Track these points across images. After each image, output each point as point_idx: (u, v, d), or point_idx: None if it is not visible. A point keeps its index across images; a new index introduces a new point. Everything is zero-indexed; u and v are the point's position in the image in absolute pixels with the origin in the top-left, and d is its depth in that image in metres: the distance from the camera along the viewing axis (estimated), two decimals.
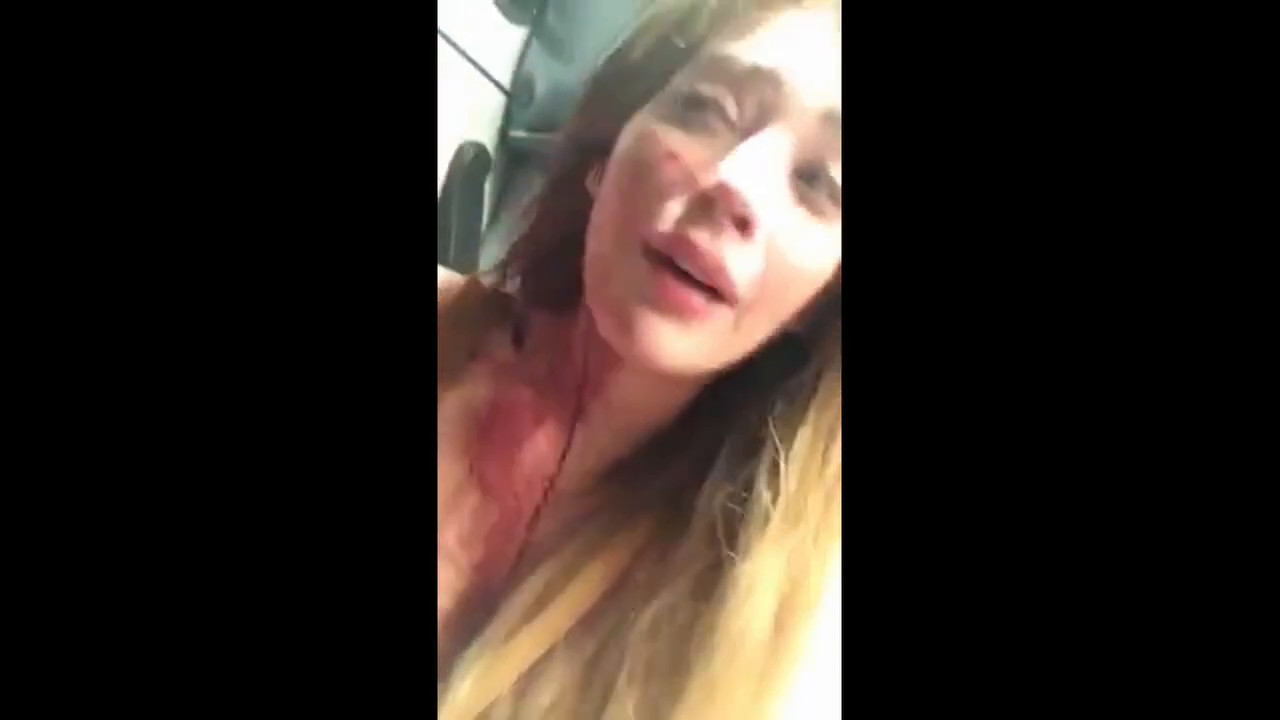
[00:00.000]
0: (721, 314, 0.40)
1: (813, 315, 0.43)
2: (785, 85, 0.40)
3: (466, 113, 0.95)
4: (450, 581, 0.44)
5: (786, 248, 0.40)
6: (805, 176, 0.40)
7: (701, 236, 0.39)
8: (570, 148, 0.48)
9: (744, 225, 0.39)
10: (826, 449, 0.41)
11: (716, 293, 0.40)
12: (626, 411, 0.47)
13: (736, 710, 0.39)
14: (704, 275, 0.39)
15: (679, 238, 0.39)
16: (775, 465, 0.41)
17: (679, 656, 0.41)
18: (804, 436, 0.42)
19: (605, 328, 0.42)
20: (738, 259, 0.39)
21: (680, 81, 0.42)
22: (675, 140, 0.41)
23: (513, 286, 0.51)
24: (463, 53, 0.95)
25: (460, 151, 0.97)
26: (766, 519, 0.40)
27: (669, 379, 0.44)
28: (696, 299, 0.39)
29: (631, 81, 0.45)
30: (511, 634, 0.42)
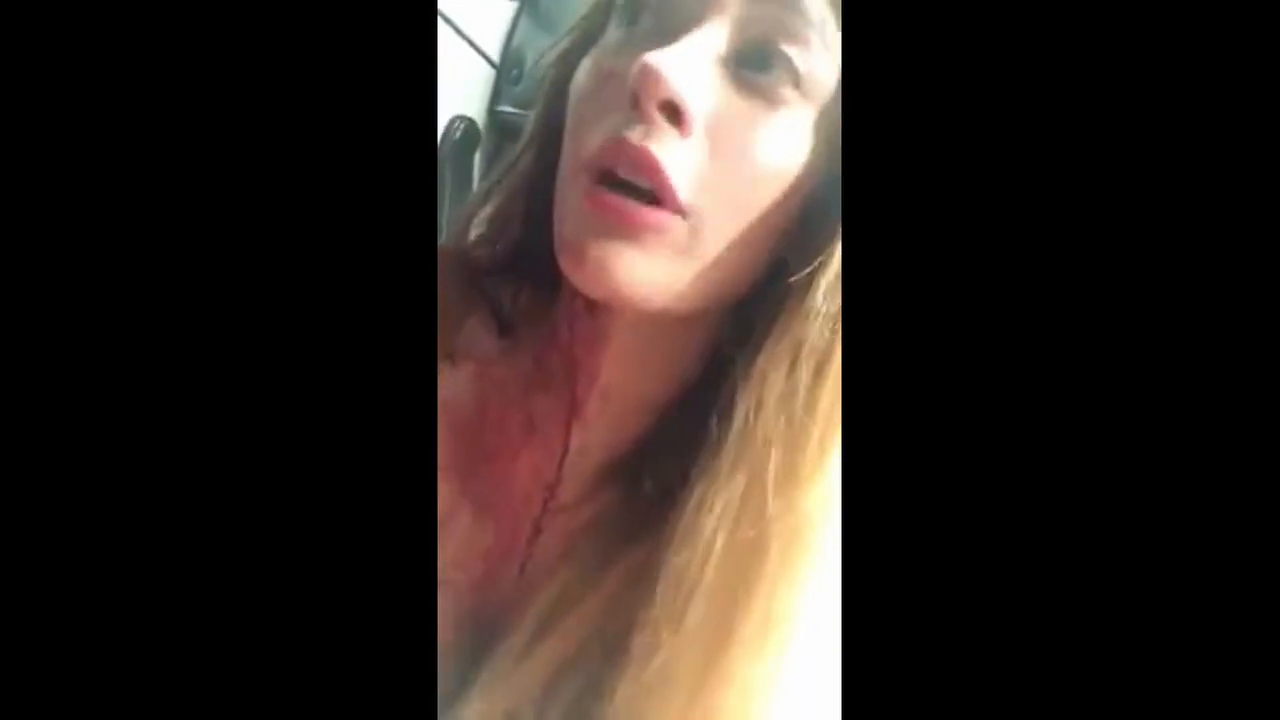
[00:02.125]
0: (673, 225, 0.37)
1: (799, 237, 0.38)
2: None
3: (455, 87, 0.94)
4: (447, 606, 0.41)
5: (735, 141, 0.37)
6: (752, 62, 0.37)
7: (632, 135, 0.36)
8: (545, 100, 0.46)
9: (675, 115, 0.36)
10: (790, 374, 0.37)
11: (663, 201, 0.36)
12: (624, 399, 0.43)
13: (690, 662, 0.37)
14: (637, 177, 0.36)
15: (611, 142, 0.37)
16: (731, 397, 0.38)
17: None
18: (759, 365, 0.38)
19: (566, 268, 0.38)
20: (674, 155, 0.36)
21: (621, 4, 0.40)
22: (616, 59, 0.38)
23: (490, 258, 0.47)
24: (454, 26, 0.94)
25: (450, 127, 0.96)
26: (715, 452, 0.38)
27: (660, 346, 0.41)
28: (634, 206, 0.36)
29: (585, 39, 0.43)
30: (519, 660, 0.40)
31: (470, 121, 0.97)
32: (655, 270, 0.37)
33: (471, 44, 0.92)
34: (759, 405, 0.37)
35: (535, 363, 0.45)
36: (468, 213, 0.49)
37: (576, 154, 0.38)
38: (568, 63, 0.42)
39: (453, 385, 0.45)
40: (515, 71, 0.99)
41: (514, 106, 1.01)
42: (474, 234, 0.49)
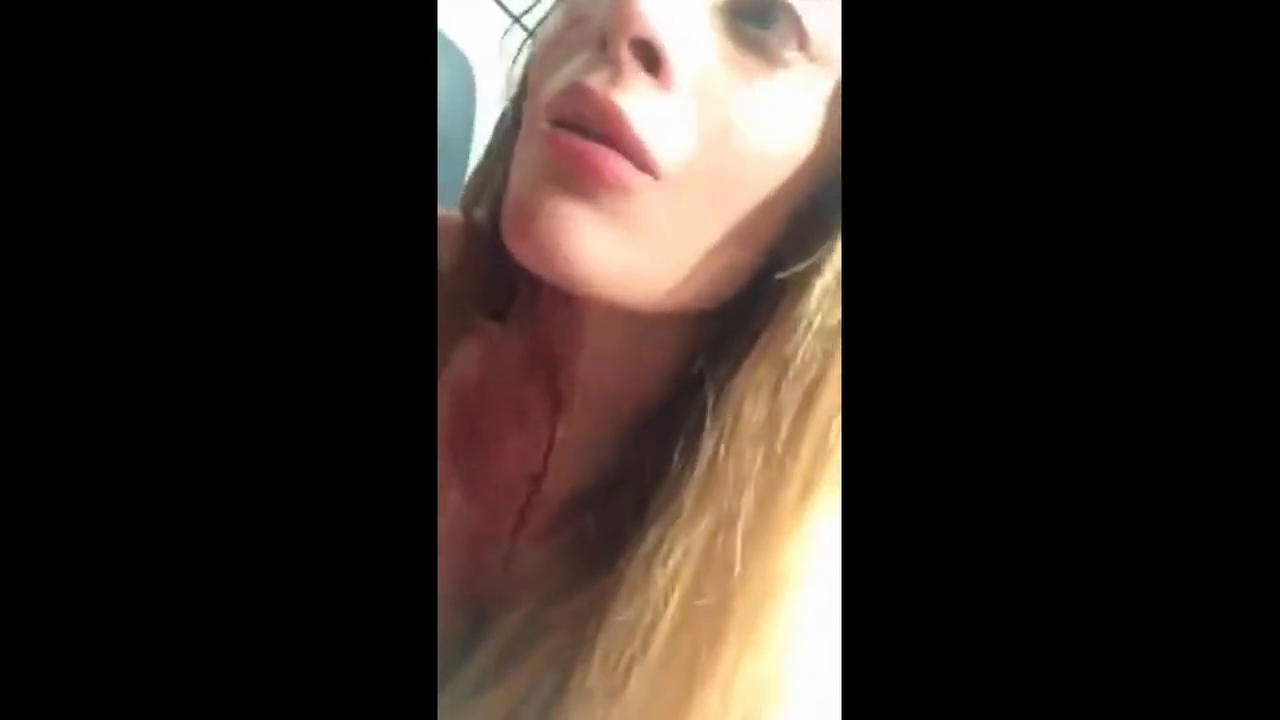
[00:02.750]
0: (639, 185, 0.30)
1: (796, 231, 0.32)
2: None
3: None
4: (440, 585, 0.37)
5: (724, 102, 0.30)
6: (752, 15, 0.30)
7: (597, 79, 0.30)
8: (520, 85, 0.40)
9: (652, 59, 0.30)
10: (773, 399, 0.31)
11: (625, 155, 0.30)
12: (605, 400, 0.38)
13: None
14: (600, 124, 0.30)
15: (572, 85, 0.30)
16: (700, 423, 0.32)
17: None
18: (736, 386, 0.32)
19: (510, 236, 0.32)
20: (646, 106, 0.29)
21: None
22: (584, 7, 0.32)
23: (487, 226, 0.42)
24: (503, 6, 0.91)
25: (503, 116, 0.93)
26: (676, 490, 0.32)
27: (638, 348, 0.36)
28: (594, 146, 0.29)
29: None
30: (500, 670, 0.37)
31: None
32: (611, 245, 0.31)
33: (517, 20, 0.88)
34: (731, 436, 0.31)
35: (526, 351, 0.40)
36: (474, 190, 0.44)
37: (534, 104, 0.32)
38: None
39: (464, 361, 0.41)
40: None
41: None
42: (476, 212, 0.44)
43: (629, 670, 0.31)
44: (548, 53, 0.33)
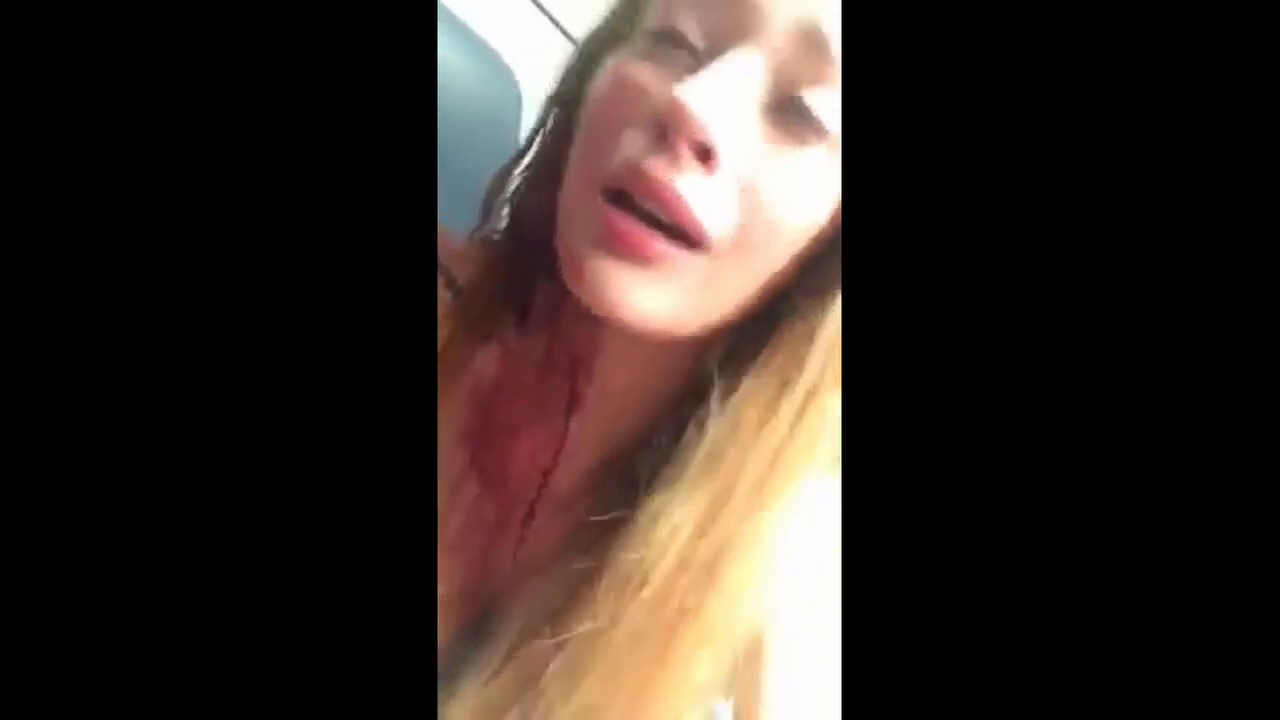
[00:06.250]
0: (689, 262, 0.36)
1: (813, 277, 0.37)
2: (759, 9, 0.35)
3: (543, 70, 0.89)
4: (452, 571, 0.42)
5: (764, 187, 0.35)
6: (786, 108, 0.36)
7: (657, 166, 0.35)
8: (562, 94, 0.45)
9: (704, 154, 0.35)
10: (776, 402, 0.36)
11: (682, 236, 0.35)
12: (623, 398, 0.43)
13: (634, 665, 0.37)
14: (661, 210, 0.35)
15: (633, 169, 0.35)
16: (705, 410, 0.38)
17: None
18: (748, 385, 0.37)
19: (568, 278, 0.38)
20: (698, 193, 0.35)
21: (650, 17, 0.39)
22: (640, 72, 0.37)
23: (509, 243, 0.48)
24: (541, 8, 0.90)
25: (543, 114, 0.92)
26: (684, 461, 0.37)
27: (658, 357, 0.40)
28: (649, 238, 0.35)
29: (611, 36, 0.42)
30: (507, 658, 0.40)
31: None
32: (662, 300, 0.36)
33: (554, 22, 0.87)
34: (736, 425, 0.37)
35: (545, 352, 0.45)
36: (495, 195, 0.49)
37: (588, 165, 0.38)
38: (590, 57, 0.42)
39: (482, 359, 0.46)
40: None
41: None
42: (500, 220, 0.50)
43: (637, 592, 0.37)
44: (599, 117, 0.38)
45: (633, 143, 0.36)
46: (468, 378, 0.45)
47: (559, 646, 0.38)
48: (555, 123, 0.45)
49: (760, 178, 0.36)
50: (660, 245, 0.35)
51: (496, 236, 0.49)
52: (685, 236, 0.35)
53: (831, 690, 0.28)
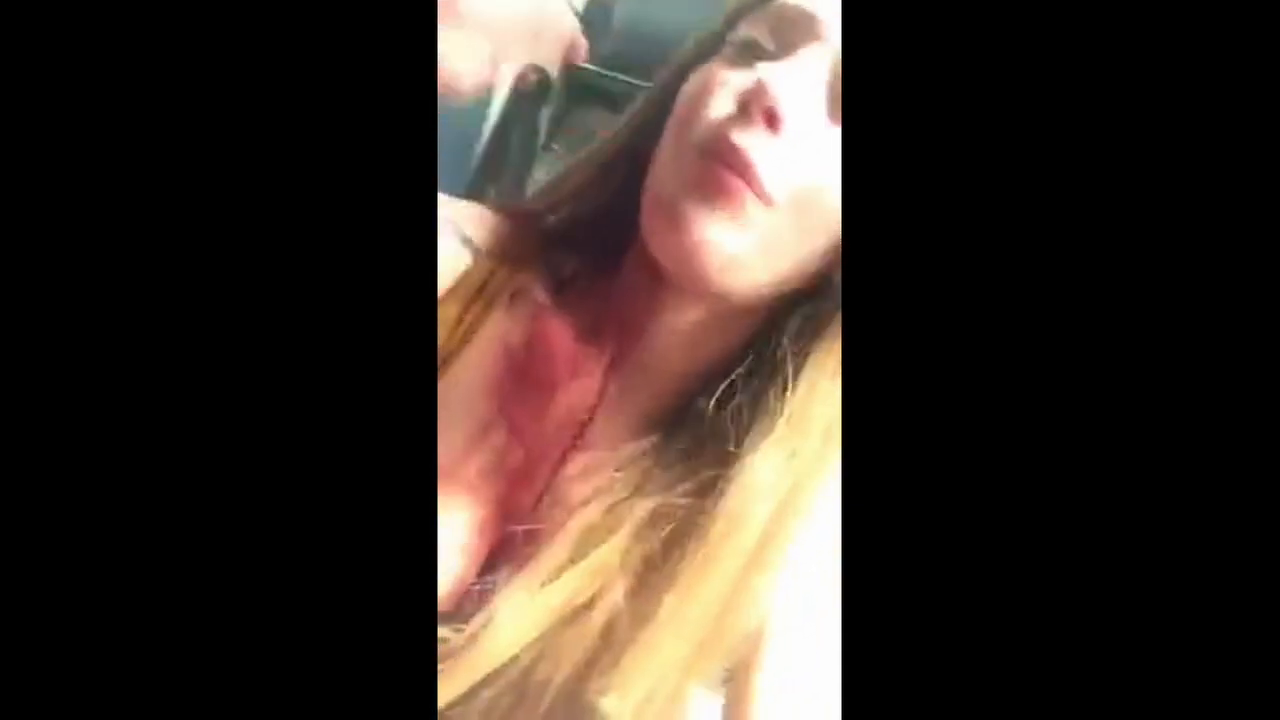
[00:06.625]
0: (757, 215, 0.42)
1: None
2: (821, 21, 0.43)
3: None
4: (469, 507, 0.45)
5: (818, 158, 0.42)
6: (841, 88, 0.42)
7: (736, 131, 0.42)
8: (654, 99, 0.50)
9: (771, 119, 0.41)
10: (837, 373, 0.43)
11: (752, 189, 0.41)
12: (665, 365, 0.47)
13: (724, 590, 0.41)
14: (736, 164, 0.41)
15: (719, 134, 0.42)
16: (785, 380, 0.43)
17: (675, 545, 0.42)
18: (816, 356, 0.43)
19: (656, 232, 0.44)
20: (765, 154, 0.41)
21: (736, 33, 0.46)
22: (726, 69, 0.45)
23: (556, 223, 0.52)
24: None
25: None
26: (773, 421, 0.42)
27: (709, 329, 0.45)
28: (736, 184, 0.41)
29: (697, 53, 0.49)
30: (546, 583, 0.43)
31: (544, 74, 0.93)
32: (737, 245, 0.42)
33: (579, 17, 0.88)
34: (811, 388, 0.43)
35: (590, 319, 0.49)
36: (525, 169, 0.54)
37: (681, 136, 0.44)
38: (680, 70, 0.48)
39: (509, 319, 0.49)
40: (600, 28, 0.95)
41: (595, 64, 0.97)
42: (536, 199, 0.55)
43: (684, 552, 0.41)
44: (695, 102, 0.44)
45: (720, 113, 0.43)
46: (494, 335, 0.49)
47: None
48: (643, 122, 0.50)
49: (816, 149, 0.42)
50: (741, 191, 0.41)
51: (524, 210, 0.54)
52: (753, 190, 0.41)
53: (831, 690, 0.31)
